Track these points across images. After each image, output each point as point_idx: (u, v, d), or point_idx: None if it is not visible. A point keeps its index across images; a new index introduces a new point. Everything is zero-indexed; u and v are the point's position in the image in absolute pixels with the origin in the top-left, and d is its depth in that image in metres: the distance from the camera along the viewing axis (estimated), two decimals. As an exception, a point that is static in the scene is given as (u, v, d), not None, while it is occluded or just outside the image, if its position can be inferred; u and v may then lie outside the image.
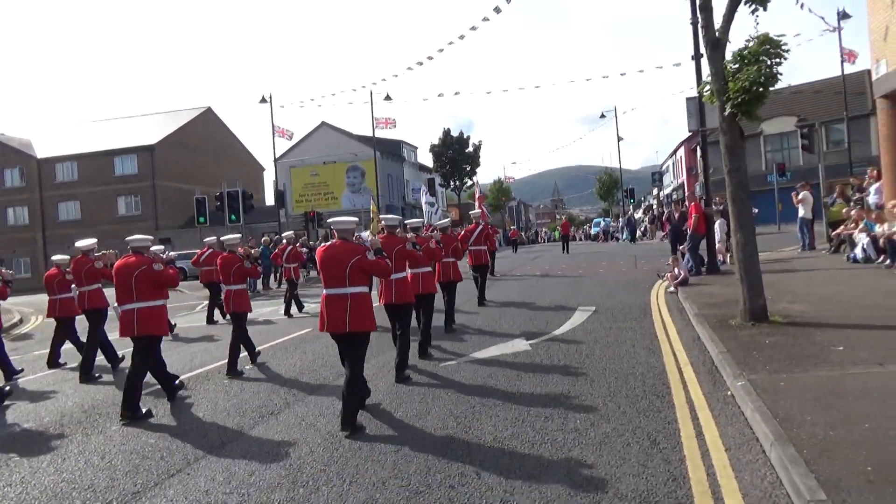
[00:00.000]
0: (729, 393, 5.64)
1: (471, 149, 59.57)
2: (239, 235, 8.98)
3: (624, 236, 36.50)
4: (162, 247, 11.71)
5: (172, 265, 7.57)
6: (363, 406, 5.90)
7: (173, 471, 5.02)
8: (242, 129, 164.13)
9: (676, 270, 12.43)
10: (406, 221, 8.51)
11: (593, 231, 56.82)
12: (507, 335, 9.00)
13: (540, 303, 12.05)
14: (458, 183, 59.72)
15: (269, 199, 52.40)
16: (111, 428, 6.28)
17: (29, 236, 48.11)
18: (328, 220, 6.66)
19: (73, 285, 9.36)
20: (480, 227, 13.42)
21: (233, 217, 22.37)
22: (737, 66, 7.96)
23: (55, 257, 9.89)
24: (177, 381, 7.22)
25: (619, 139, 50.35)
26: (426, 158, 61.10)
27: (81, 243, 9.41)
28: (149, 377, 7.19)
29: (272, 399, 6.71)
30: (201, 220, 23.88)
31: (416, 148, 60.28)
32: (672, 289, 11.87)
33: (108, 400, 7.47)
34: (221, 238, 9.88)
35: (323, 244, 6.03)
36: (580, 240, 65.12)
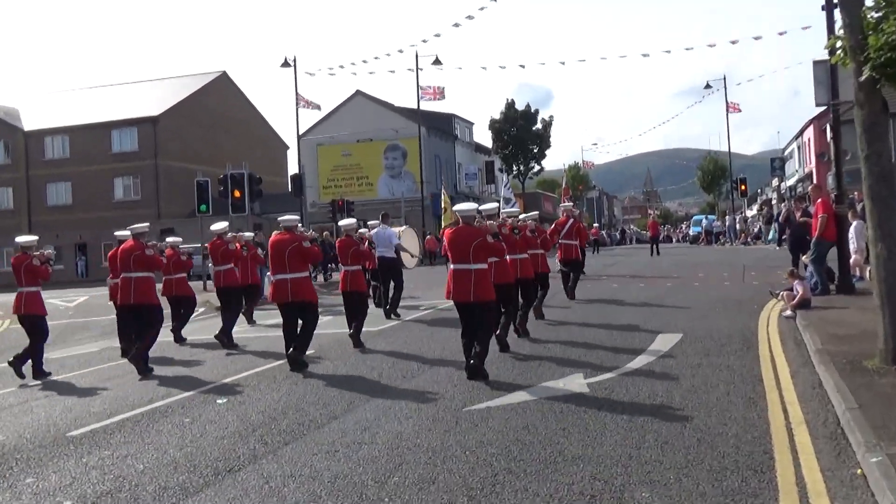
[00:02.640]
0: (859, 472, 4.91)
1: (539, 126, 59.03)
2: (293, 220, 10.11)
3: (770, 237, 35.10)
4: (179, 238, 13.39)
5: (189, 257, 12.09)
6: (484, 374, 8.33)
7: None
8: (263, 99, 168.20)
9: (796, 288, 11.79)
10: (480, 207, 9.63)
11: (692, 231, 55.24)
12: (561, 364, 8.80)
13: (611, 321, 11.99)
14: (522, 167, 59.21)
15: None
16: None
17: (13, 223, 49.89)
18: (455, 208, 8.83)
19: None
20: (571, 220, 15.72)
21: (203, 207, 22.54)
22: (880, 13, 7.07)
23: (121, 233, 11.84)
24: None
25: (729, 111, 48.67)
26: (484, 137, 60.83)
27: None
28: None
29: (236, 448, 6.32)
30: (203, 208, 24.11)
31: (472, 124, 60.20)
32: (789, 312, 11.41)
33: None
34: (340, 223, 11.93)
35: (449, 227, 8.67)
36: (677, 241, 63.74)
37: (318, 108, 39.63)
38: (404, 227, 21.27)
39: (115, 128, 50.73)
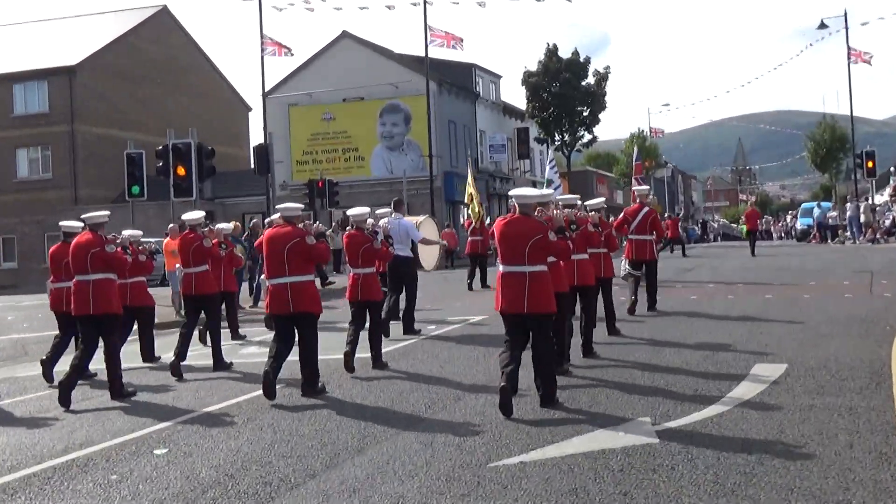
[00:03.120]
0: None
1: (591, 81, 59.06)
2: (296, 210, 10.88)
3: None
4: (138, 232, 14.02)
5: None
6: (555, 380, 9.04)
7: None
8: (217, 44, 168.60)
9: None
10: (562, 197, 10.87)
11: (800, 224, 55.01)
12: (622, 403, 8.88)
13: (690, 346, 12.13)
14: (567, 137, 59.28)
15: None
16: None
17: None
18: (510, 193, 9.35)
19: None
20: (646, 209, 16.23)
21: (136, 189, 22.72)
22: None
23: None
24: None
25: (852, 60, 48.35)
26: (515, 95, 60.73)
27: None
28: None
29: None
30: (135, 189, 24.29)
31: (499, 78, 60.46)
32: (934, 336, 11.39)
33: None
34: (349, 213, 12.59)
35: (501, 217, 9.19)
36: (779, 237, 63.52)
37: (291, 53, 39.82)
38: (423, 216, 21.28)
39: (17, 81, 51.13)
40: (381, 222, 13.94)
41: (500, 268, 8.99)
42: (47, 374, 12.63)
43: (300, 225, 10.54)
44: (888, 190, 59.07)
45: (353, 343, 11.74)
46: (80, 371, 11.04)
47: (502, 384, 8.61)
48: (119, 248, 11.57)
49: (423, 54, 43.99)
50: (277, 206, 11.22)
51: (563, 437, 7.74)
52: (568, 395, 9.42)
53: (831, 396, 8.70)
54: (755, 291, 19.27)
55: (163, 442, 8.53)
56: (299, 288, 10.22)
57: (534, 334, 8.92)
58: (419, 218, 17.62)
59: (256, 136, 61.29)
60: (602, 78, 59.45)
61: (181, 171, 21.86)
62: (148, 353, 14.03)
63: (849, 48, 48.63)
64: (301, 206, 11.36)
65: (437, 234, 18.47)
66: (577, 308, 11.97)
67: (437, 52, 45.35)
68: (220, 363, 12.83)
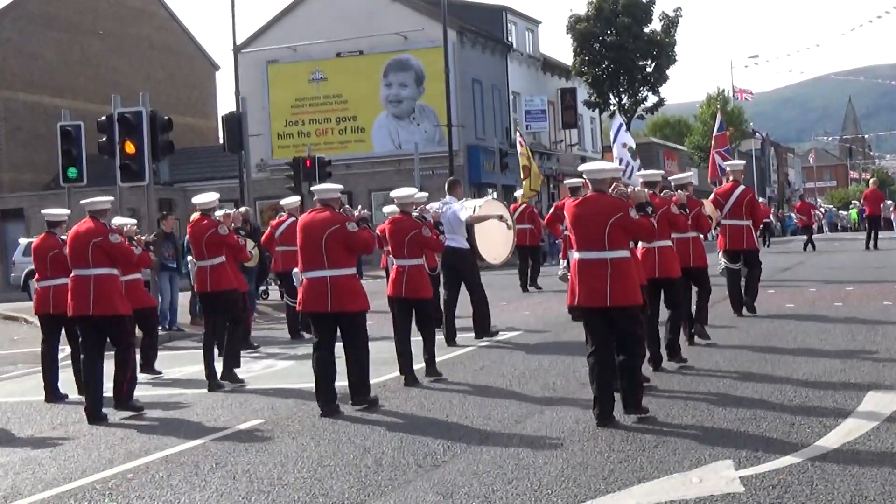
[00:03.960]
0: None
1: (657, 25, 58.92)
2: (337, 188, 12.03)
3: None
4: (132, 220, 15.55)
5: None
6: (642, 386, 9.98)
7: None
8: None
9: None
10: (644, 172, 12.35)
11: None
12: (698, 440, 8.89)
13: (785, 365, 12.29)
14: (626, 99, 59.16)
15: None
16: None
17: None
18: (581, 167, 10.22)
19: None
20: (741, 189, 17.00)
21: (73, 171, 23.41)
22: None
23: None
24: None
25: None
26: (558, 47, 60.21)
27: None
28: None
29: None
30: (72, 172, 24.38)
31: (538, 24, 60.51)
32: None
33: None
34: (393, 194, 13.46)
35: (573, 198, 10.24)
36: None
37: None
38: (487, 196, 21.13)
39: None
40: (432, 206, 14.61)
41: (575, 255, 9.75)
42: (51, 394, 13.59)
43: (340, 210, 11.35)
44: None
45: (405, 349, 12.71)
46: (130, 379, 12.16)
47: (595, 396, 9.56)
48: (124, 239, 12.57)
49: (439, -5, 44.03)
50: (313, 188, 12.12)
51: (621, 485, 7.75)
52: (629, 426, 9.51)
53: (969, 433, 8.66)
54: (870, 297, 19.24)
55: (123, 484, 8.61)
56: (340, 283, 11.05)
57: (620, 330, 9.65)
58: (478, 201, 18.19)
59: (226, 104, 61.50)
60: (671, 23, 59.23)
61: (130, 147, 21.86)
62: (149, 364, 15.07)
63: None
64: (340, 186, 12.17)
65: (506, 214, 18.23)
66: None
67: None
68: (213, 380, 13.54)
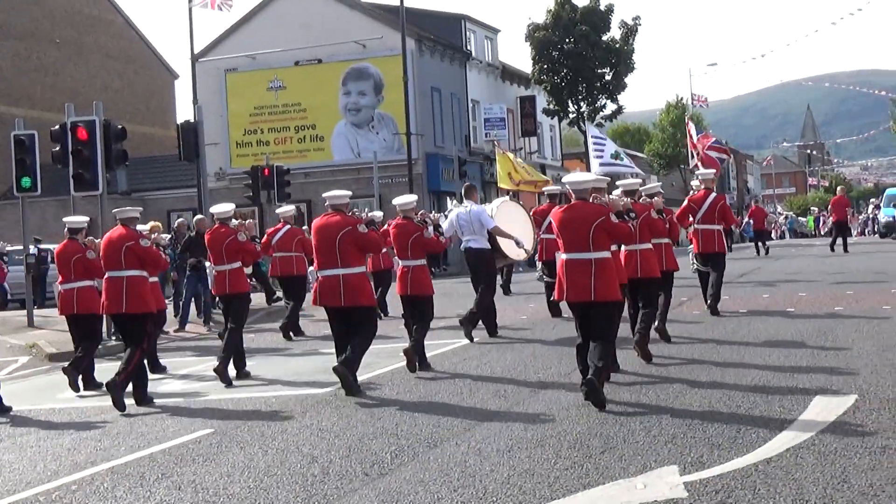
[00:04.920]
0: None
1: (616, 33, 59.19)
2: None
3: None
4: (147, 226, 16.45)
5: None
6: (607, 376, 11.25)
7: None
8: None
9: None
10: (624, 182, 13.57)
11: (884, 215, 55.26)
12: (644, 446, 8.94)
13: (736, 371, 12.30)
14: (584, 107, 59.36)
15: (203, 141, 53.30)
16: None
17: None
18: (564, 179, 11.55)
19: None
20: (713, 196, 18.41)
21: (27, 181, 23.49)
22: None
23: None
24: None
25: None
26: (517, 55, 60.55)
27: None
28: None
29: None
30: (25, 182, 24.28)
31: (497, 33, 60.62)
32: None
33: None
34: (395, 202, 14.94)
35: (558, 207, 11.69)
36: (858, 233, 63.95)
37: (229, 6, 39.84)
38: (503, 198, 22.68)
39: None
40: (451, 212, 17.25)
41: (562, 256, 11.06)
42: (87, 381, 15.03)
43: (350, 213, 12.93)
44: None
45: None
46: (134, 368, 13.13)
47: (584, 381, 10.62)
48: (152, 244, 13.91)
49: (397, 3, 43.97)
50: (325, 194, 13.33)
51: (566, 492, 7.75)
52: (576, 432, 9.53)
53: (910, 435, 8.69)
54: (822, 302, 19.39)
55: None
56: (352, 280, 12.49)
57: (600, 322, 10.89)
58: (494, 204, 19.03)
59: (186, 112, 61.26)
60: (630, 31, 59.47)
61: (82, 156, 21.74)
62: (153, 363, 16.11)
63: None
64: (349, 192, 13.47)
65: (525, 218, 19.59)
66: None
67: (416, 1, 45.50)
68: (226, 374, 14.52)
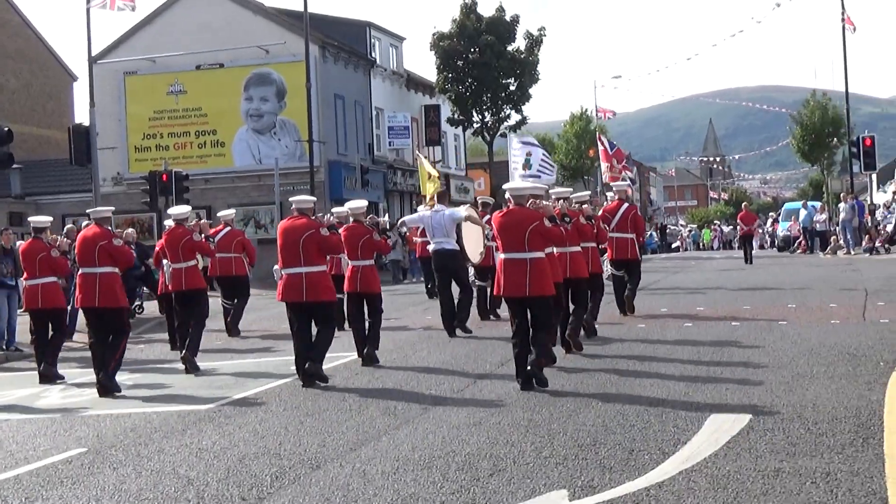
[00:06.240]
0: None
1: (521, 44, 59.49)
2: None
3: None
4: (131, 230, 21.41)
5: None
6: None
7: None
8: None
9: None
10: (557, 190, 16.10)
11: (781, 229, 56.15)
12: (536, 467, 8.81)
13: (630, 390, 12.31)
14: (489, 116, 59.51)
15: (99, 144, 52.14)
16: None
17: None
18: (506, 186, 13.27)
19: None
20: (625, 206, 19.91)
21: None
22: None
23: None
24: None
25: (846, 26, 49.53)
26: (422, 63, 60.68)
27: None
28: None
29: None
30: None
31: (402, 41, 60.69)
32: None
33: None
34: (347, 206, 16.62)
35: (498, 211, 12.94)
36: (760, 245, 64.98)
37: (132, 7, 38.92)
38: (465, 206, 23.27)
39: None
40: (419, 211, 19.83)
41: (501, 255, 12.45)
42: (48, 375, 16.12)
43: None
44: (892, 186, 60.45)
45: (362, 339, 15.64)
46: (117, 363, 14.51)
47: (518, 373, 12.36)
48: (123, 243, 14.93)
49: (301, 8, 43.63)
50: (291, 199, 14.80)
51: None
52: (465, 453, 9.35)
53: (805, 458, 8.67)
54: (719, 317, 19.50)
55: None
56: (313, 278, 13.61)
57: (535, 314, 12.31)
58: (462, 209, 19.77)
59: (83, 115, 60.14)
60: (535, 42, 59.79)
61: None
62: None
63: (843, 8, 49.65)
64: (313, 198, 15.07)
65: (479, 231, 19.65)
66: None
67: (321, 6, 45.26)
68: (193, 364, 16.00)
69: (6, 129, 22.15)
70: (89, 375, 15.77)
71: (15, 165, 44.32)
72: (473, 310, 19.50)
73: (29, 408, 13.25)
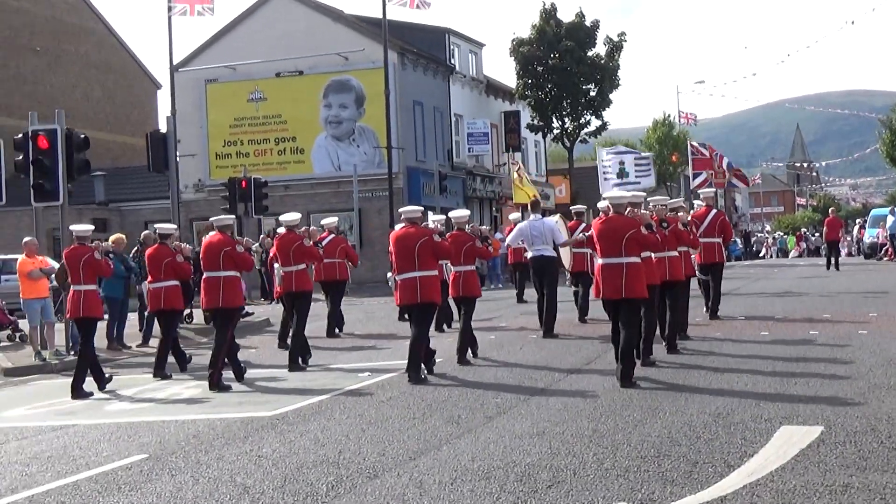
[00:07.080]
0: None
1: (601, 49, 59.10)
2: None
3: None
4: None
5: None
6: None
7: None
8: (118, 3, 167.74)
9: None
10: (659, 198, 17.79)
11: (868, 236, 55.04)
12: (596, 476, 8.63)
13: (700, 399, 12.04)
14: (569, 123, 59.23)
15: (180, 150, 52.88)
16: None
17: None
18: (606, 195, 14.66)
19: None
20: (714, 212, 21.13)
21: None
22: None
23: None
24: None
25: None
26: (501, 69, 60.45)
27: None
28: None
29: None
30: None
31: (482, 47, 60.70)
32: None
33: None
34: (451, 215, 17.37)
35: (597, 218, 13.98)
36: (848, 252, 63.84)
37: (210, 11, 39.36)
38: (557, 216, 24.22)
39: None
40: (512, 217, 22.36)
41: (599, 260, 13.44)
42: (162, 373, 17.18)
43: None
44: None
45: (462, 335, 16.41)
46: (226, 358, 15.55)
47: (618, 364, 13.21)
48: (245, 250, 15.82)
49: (380, 16, 43.73)
50: (400, 209, 16.00)
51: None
52: (525, 463, 9.20)
53: (876, 472, 8.46)
54: (797, 325, 19.24)
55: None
56: (426, 281, 14.72)
57: (623, 315, 13.23)
58: (554, 218, 21.38)
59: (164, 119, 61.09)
60: (615, 47, 59.37)
61: (43, 166, 21.32)
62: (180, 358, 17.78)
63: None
64: (420, 208, 16.16)
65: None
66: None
67: (400, 13, 45.20)
68: (295, 363, 16.90)
69: (83, 136, 22.23)
70: (162, 381, 16.01)
71: (98, 173, 45.26)
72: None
73: (102, 412, 13.32)
